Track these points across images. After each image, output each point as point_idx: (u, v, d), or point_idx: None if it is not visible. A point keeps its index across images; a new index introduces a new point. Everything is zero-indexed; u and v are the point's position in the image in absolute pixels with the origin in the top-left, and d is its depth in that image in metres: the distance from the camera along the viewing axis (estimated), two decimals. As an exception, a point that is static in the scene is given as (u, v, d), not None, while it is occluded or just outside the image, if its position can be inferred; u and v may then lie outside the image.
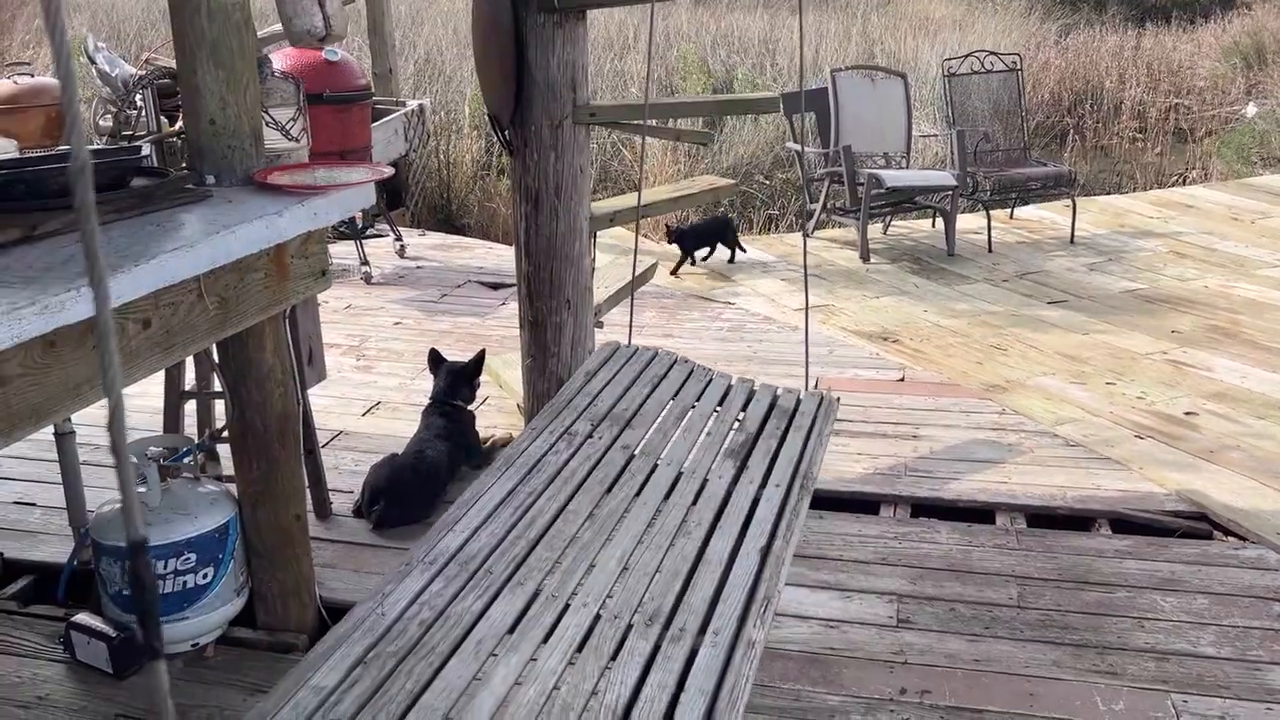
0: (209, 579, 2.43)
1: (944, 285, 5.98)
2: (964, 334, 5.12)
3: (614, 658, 1.61)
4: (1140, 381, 4.42)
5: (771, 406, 2.64)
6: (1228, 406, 4.12)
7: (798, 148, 7.00)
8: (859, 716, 2.34)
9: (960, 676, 2.50)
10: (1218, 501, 3.33)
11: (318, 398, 3.54)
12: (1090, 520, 3.30)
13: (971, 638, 2.65)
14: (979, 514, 3.36)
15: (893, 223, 7.27)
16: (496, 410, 4.13)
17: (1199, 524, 3.25)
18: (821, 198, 6.75)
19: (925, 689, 2.44)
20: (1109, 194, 8.68)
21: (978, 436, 3.90)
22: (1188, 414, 4.07)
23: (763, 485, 2.22)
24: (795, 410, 2.62)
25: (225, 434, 2.58)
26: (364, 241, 6.13)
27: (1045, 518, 3.32)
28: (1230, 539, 3.16)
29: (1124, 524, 3.27)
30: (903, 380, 4.52)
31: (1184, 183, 9.18)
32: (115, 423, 0.62)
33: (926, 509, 3.40)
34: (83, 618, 2.53)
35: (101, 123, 3.22)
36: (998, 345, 4.94)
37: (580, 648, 1.63)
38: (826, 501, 3.46)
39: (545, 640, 1.66)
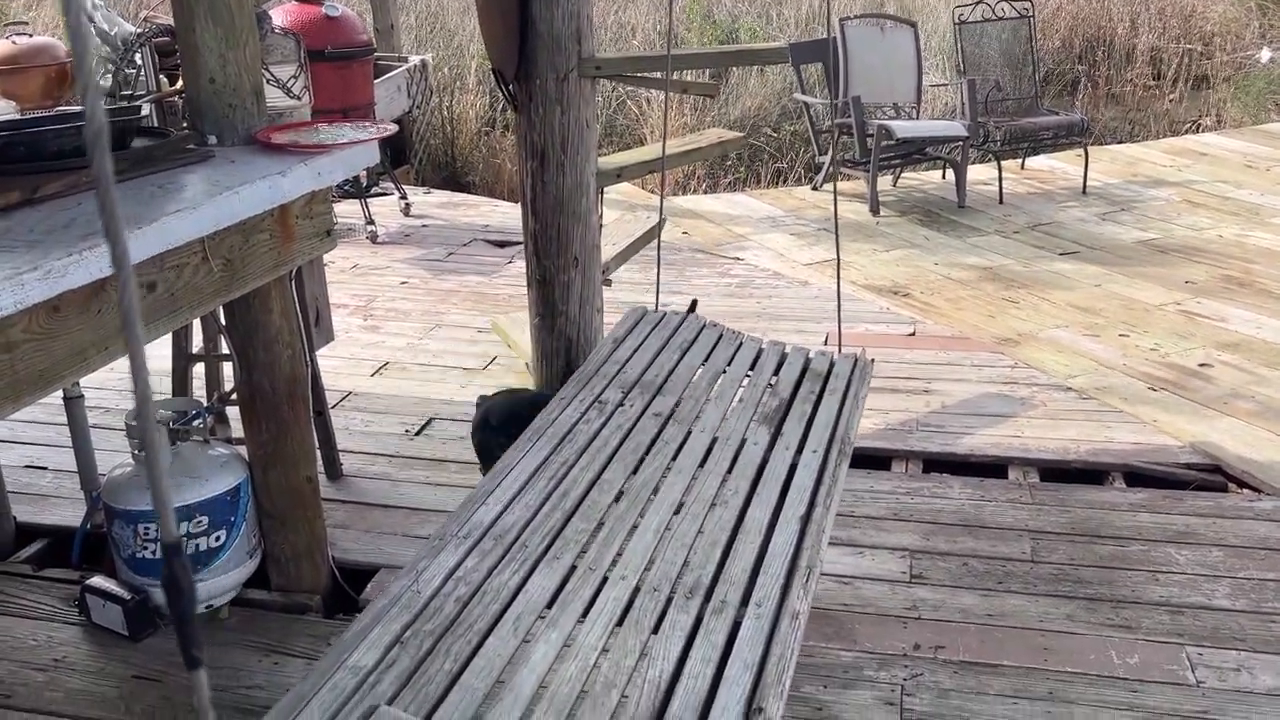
0: (221, 541, 2.43)
1: (955, 237, 5.91)
2: (975, 287, 5.08)
3: (655, 631, 1.59)
4: (1153, 333, 4.38)
5: (805, 370, 2.61)
6: (1242, 357, 4.08)
7: (806, 99, 6.91)
8: (873, 672, 2.34)
9: (974, 632, 2.50)
10: (1232, 453, 3.31)
11: (326, 359, 3.52)
12: (1104, 473, 3.28)
13: (985, 592, 2.65)
14: (991, 468, 3.34)
15: (902, 175, 7.19)
16: (506, 370, 4.11)
17: (1213, 476, 3.23)
18: (830, 150, 6.66)
19: (939, 644, 2.44)
20: (1121, 143, 8.55)
21: (989, 390, 3.87)
22: (1202, 365, 4.03)
23: (799, 451, 2.20)
24: (829, 373, 2.59)
25: (234, 397, 2.57)
26: (369, 200, 6.08)
27: (1058, 471, 3.31)
28: (1245, 491, 3.14)
29: (1138, 477, 3.25)
30: (913, 334, 4.49)
31: (1197, 130, 9.04)
32: (143, 417, 0.59)
33: (939, 464, 3.39)
34: (97, 581, 2.54)
35: (101, 82, 3.17)
36: (1009, 298, 4.89)
37: (620, 621, 1.61)
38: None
39: (584, 615, 1.64)
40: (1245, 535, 2.88)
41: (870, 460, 3.42)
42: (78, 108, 2.60)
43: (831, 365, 2.62)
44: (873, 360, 2.72)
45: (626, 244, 3.63)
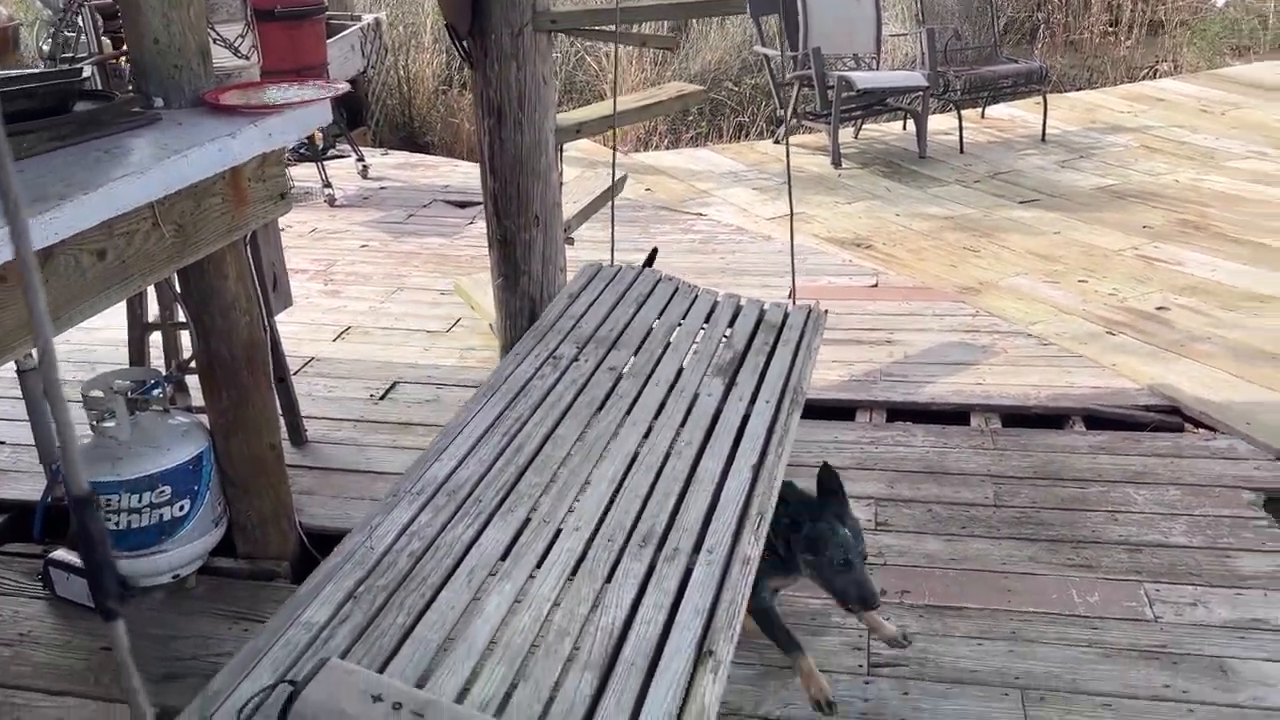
0: (185, 511, 2.41)
1: (916, 188, 5.93)
2: (936, 237, 5.10)
3: (609, 580, 1.60)
4: (1112, 278, 4.43)
5: (759, 321, 2.62)
6: (1199, 300, 4.15)
7: (766, 52, 6.86)
8: (840, 618, 2.37)
9: (938, 576, 2.54)
10: (1189, 394, 3.36)
11: (287, 324, 3.48)
12: (1064, 418, 3.33)
13: (949, 538, 2.69)
14: (954, 416, 3.38)
15: (864, 126, 7.18)
16: (470, 332, 4.09)
17: (1171, 417, 3.29)
18: (791, 102, 6.64)
19: (904, 589, 2.48)
20: (1080, 90, 8.59)
21: (951, 339, 3.90)
22: (1159, 309, 4.09)
23: (752, 401, 2.21)
24: (783, 324, 2.60)
25: (192, 365, 2.54)
26: (325, 163, 5.99)
27: (1020, 417, 3.35)
28: (1201, 431, 3.20)
29: (1097, 420, 3.30)
30: (876, 286, 4.51)
31: (1154, 76, 9.10)
32: (47, 368, 0.58)
33: (902, 413, 3.42)
34: (60, 554, 2.52)
35: (44, 46, 3.09)
36: (970, 247, 4.93)
37: (574, 572, 1.62)
38: (804, 410, 3.47)
39: (538, 567, 1.65)
40: (1201, 474, 2.94)
41: (835, 411, 3.44)
42: (18, 71, 2.52)
43: (786, 317, 2.63)
44: (826, 311, 2.72)
45: (588, 201, 3.61)
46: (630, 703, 1.32)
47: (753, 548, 1.65)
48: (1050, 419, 3.33)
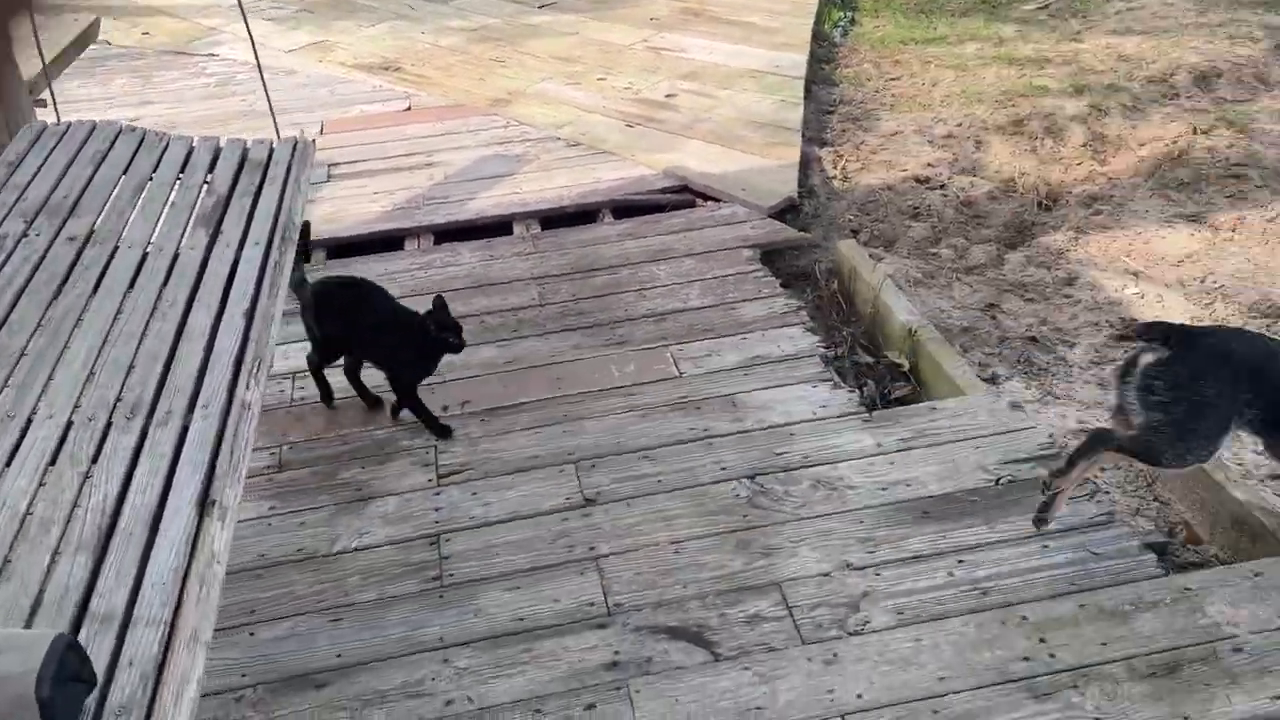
0: None
1: (439, 3, 5.82)
2: (464, 51, 5.09)
3: (95, 461, 1.53)
4: (626, 72, 4.71)
5: (242, 163, 2.48)
6: (700, 84, 4.53)
7: None
8: (407, 441, 2.46)
9: (496, 379, 2.70)
10: (696, 172, 3.73)
11: None
12: (596, 212, 3.58)
13: (501, 343, 2.85)
14: (498, 228, 3.51)
15: (376, -60, 6.84)
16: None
17: (683, 195, 3.64)
18: (291, -80, 6.13)
19: (465, 399, 2.61)
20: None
21: (487, 153, 3.99)
22: (668, 96, 4.43)
23: (240, 246, 2.12)
24: (269, 161, 2.48)
25: None
26: None
27: (556, 218, 3.55)
28: (708, 203, 3.58)
29: (624, 209, 3.58)
30: (409, 109, 4.45)
31: None
32: None
33: (449, 233, 3.49)
34: None
35: None
36: (497, 58, 4.98)
37: (54, 460, 1.52)
38: (351, 247, 3.43)
39: (8, 464, 1.52)
40: (710, 241, 3.32)
41: (383, 244, 3.44)
42: None
43: (271, 153, 2.52)
44: (314, 141, 2.64)
45: (54, 54, 3.17)
46: (132, 571, 1.30)
47: (253, 392, 1.64)
48: (583, 215, 3.56)
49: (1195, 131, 3.79)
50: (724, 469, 2.31)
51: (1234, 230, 3.30)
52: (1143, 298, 3.01)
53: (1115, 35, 4.87)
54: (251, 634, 1.94)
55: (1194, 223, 3.36)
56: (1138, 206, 3.44)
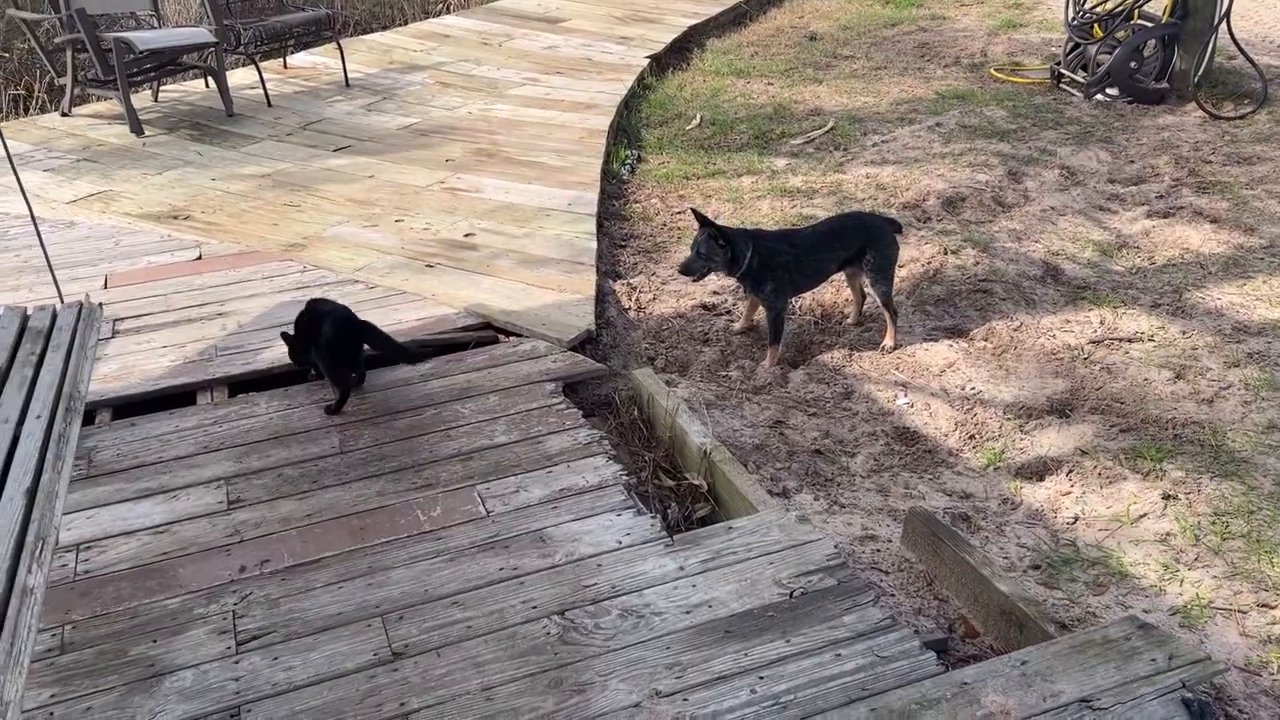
0: None
1: (229, 149, 5.78)
2: (256, 196, 5.06)
3: None
4: (424, 213, 4.80)
5: (22, 331, 2.40)
6: (497, 222, 4.67)
7: (23, 15, 6.09)
8: (203, 608, 2.37)
9: (296, 535, 2.64)
10: (497, 309, 3.82)
11: None
12: (397, 354, 3.59)
13: (301, 496, 2.79)
14: (296, 376, 3.46)
15: (162, 88, 6.77)
16: None
17: (485, 332, 3.72)
18: (70, 70, 6.01)
19: (264, 559, 2.54)
20: (374, 32, 8.95)
21: (284, 299, 3.96)
22: (467, 235, 4.54)
23: (21, 421, 2.04)
24: (51, 328, 2.41)
25: None
26: None
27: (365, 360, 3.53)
28: (510, 339, 3.67)
29: (426, 349, 3.61)
30: (200, 259, 4.37)
31: (443, 12, 9.80)
32: None
33: (244, 384, 3.42)
34: None
35: None
36: (291, 202, 4.97)
37: None
38: (137, 406, 3.30)
39: None
40: (513, 376, 3.39)
41: (173, 400, 3.33)
42: None
43: (54, 318, 2.46)
44: (101, 305, 2.59)
45: None
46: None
47: (36, 576, 1.57)
48: (385, 358, 3.56)
49: (945, 252, 4.21)
50: (534, 607, 2.33)
51: (985, 340, 3.66)
52: (912, 406, 3.28)
53: (873, 166, 5.37)
54: (29, 841, 1.80)
55: (952, 335, 3.70)
56: (902, 322, 3.77)
